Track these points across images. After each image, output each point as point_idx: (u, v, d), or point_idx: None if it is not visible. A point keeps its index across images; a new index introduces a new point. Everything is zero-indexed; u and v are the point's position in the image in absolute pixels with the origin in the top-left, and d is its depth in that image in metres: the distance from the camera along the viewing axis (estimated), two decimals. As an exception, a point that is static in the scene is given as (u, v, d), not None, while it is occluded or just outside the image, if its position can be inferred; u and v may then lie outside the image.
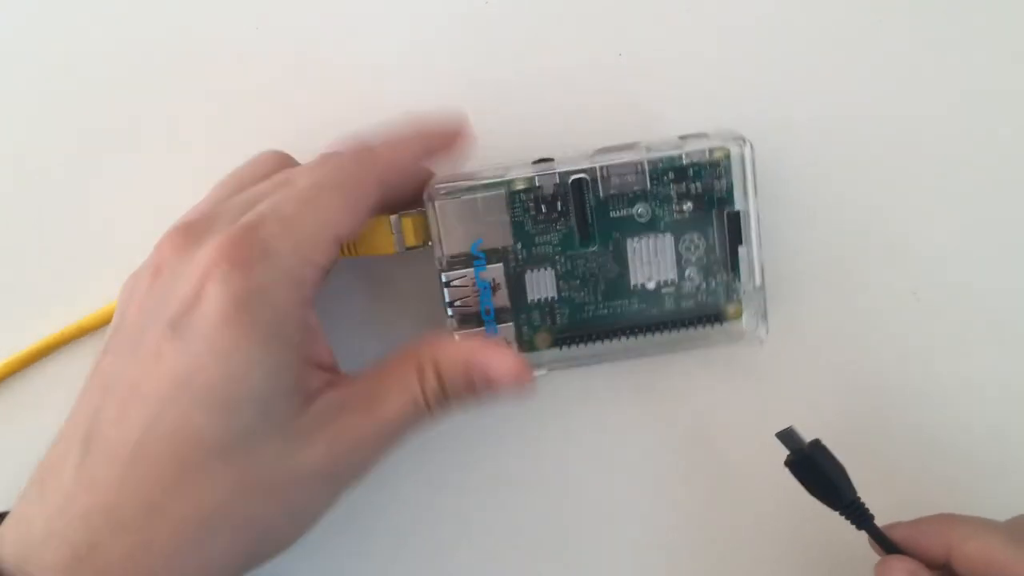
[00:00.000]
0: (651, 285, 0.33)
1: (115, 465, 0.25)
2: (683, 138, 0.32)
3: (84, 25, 0.35)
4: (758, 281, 0.32)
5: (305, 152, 0.32)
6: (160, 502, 0.25)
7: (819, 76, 0.35)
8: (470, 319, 0.33)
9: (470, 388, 0.29)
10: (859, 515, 0.31)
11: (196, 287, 0.26)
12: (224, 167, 0.32)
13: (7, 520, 0.27)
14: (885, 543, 0.31)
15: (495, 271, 0.32)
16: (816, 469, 0.31)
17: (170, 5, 0.35)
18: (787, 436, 0.31)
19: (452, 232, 0.32)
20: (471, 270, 0.32)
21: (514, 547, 0.36)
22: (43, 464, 0.27)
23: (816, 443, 0.31)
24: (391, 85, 0.35)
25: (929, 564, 0.30)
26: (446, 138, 0.32)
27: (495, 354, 0.29)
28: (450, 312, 0.32)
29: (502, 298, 0.32)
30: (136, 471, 0.25)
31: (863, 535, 0.31)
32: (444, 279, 0.32)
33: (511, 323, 0.33)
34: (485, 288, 0.32)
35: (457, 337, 0.32)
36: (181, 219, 0.29)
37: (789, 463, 0.31)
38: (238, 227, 0.27)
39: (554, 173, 0.31)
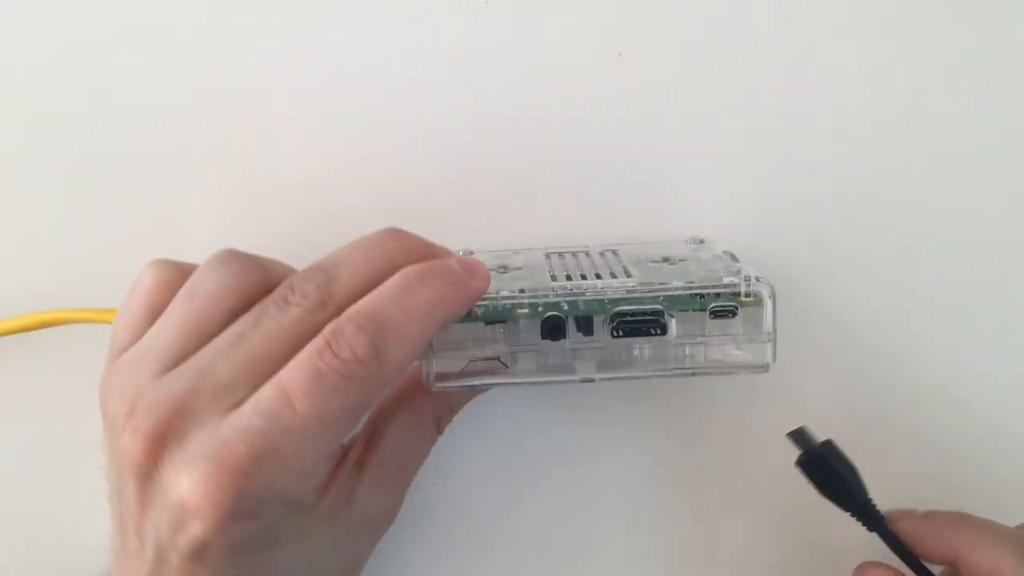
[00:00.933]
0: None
1: None
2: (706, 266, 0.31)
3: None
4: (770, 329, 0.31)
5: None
6: None
7: (817, 76, 0.35)
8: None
9: None
10: (870, 516, 0.31)
11: (197, 535, 0.26)
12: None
13: None
14: (896, 545, 0.31)
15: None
16: (828, 468, 0.31)
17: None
18: (799, 436, 0.31)
19: (447, 353, 0.30)
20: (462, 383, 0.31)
21: (527, 553, 0.37)
22: None
23: (828, 443, 0.31)
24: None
25: (938, 563, 0.31)
26: (464, 310, 0.29)
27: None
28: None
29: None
30: None
31: (873, 538, 0.32)
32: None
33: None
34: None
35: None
36: (152, 412, 0.26)
37: (800, 462, 0.31)
38: (231, 472, 0.25)
39: (565, 348, 0.30)
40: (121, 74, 0.35)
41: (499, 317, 0.30)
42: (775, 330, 0.30)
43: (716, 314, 0.29)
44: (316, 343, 0.26)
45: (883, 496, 0.32)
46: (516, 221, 0.36)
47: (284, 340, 0.27)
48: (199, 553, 0.26)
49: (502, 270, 0.33)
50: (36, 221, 0.36)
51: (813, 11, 0.35)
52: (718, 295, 0.29)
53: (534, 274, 0.32)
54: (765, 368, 0.30)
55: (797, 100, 0.35)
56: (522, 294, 0.30)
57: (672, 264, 0.32)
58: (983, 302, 0.36)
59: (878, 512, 0.31)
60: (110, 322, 0.31)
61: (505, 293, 0.30)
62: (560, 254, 0.34)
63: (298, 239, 0.35)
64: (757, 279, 0.30)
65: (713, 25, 0.35)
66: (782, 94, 0.35)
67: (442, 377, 0.30)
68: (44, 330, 0.35)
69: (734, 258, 0.32)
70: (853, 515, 0.31)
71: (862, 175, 0.36)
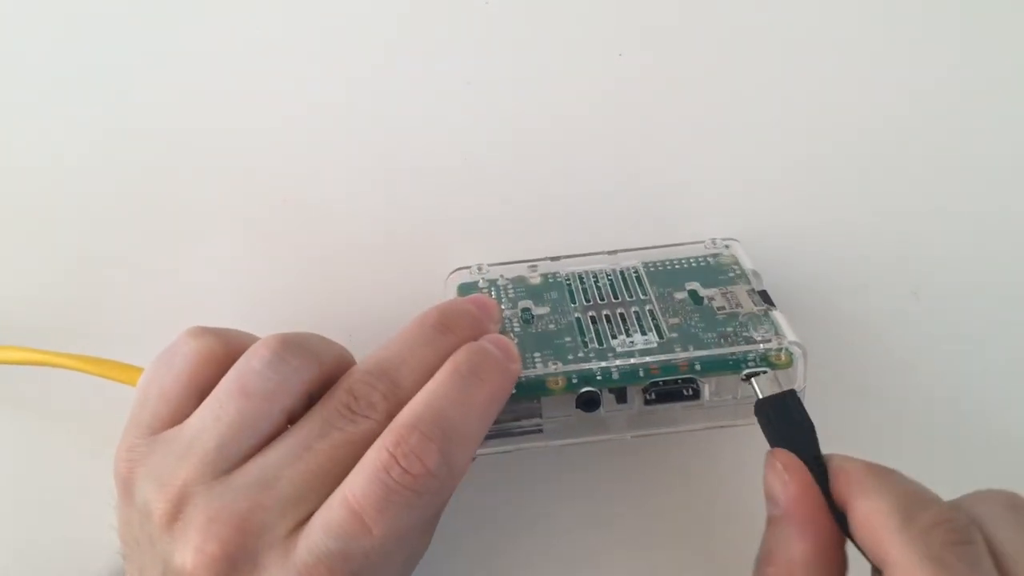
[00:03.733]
0: None
1: None
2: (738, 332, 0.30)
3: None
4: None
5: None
6: None
7: (815, 76, 0.35)
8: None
9: None
10: (819, 472, 0.28)
11: None
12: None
13: None
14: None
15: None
16: (785, 414, 0.28)
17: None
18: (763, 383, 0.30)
19: None
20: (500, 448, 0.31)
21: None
22: None
23: (791, 391, 0.29)
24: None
25: None
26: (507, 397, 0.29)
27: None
28: None
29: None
30: None
31: None
32: None
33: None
34: None
35: None
36: (214, 532, 0.25)
37: (758, 405, 0.29)
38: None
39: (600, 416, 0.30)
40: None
41: (533, 391, 0.30)
42: (805, 385, 0.30)
43: (749, 375, 0.30)
44: (381, 456, 0.25)
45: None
46: (518, 223, 0.36)
47: (353, 454, 0.26)
48: None
49: (526, 314, 0.32)
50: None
51: (814, 10, 0.34)
52: (752, 359, 0.30)
53: (559, 321, 0.32)
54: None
55: (797, 99, 0.35)
56: (556, 369, 0.30)
57: (701, 307, 0.32)
58: (983, 302, 0.37)
59: (825, 471, 0.27)
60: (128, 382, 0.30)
61: (539, 368, 0.30)
62: (581, 278, 0.34)
63: (298, 242, 0.35)
64: (792, 342, 0.30)
65: (713, 25, 0.34)
66: (783, 93, 0.35)
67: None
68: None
69: (765, 297, 0.32)
70: None
71: (862, 175, 0.36)
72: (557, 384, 0.30)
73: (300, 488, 0.26)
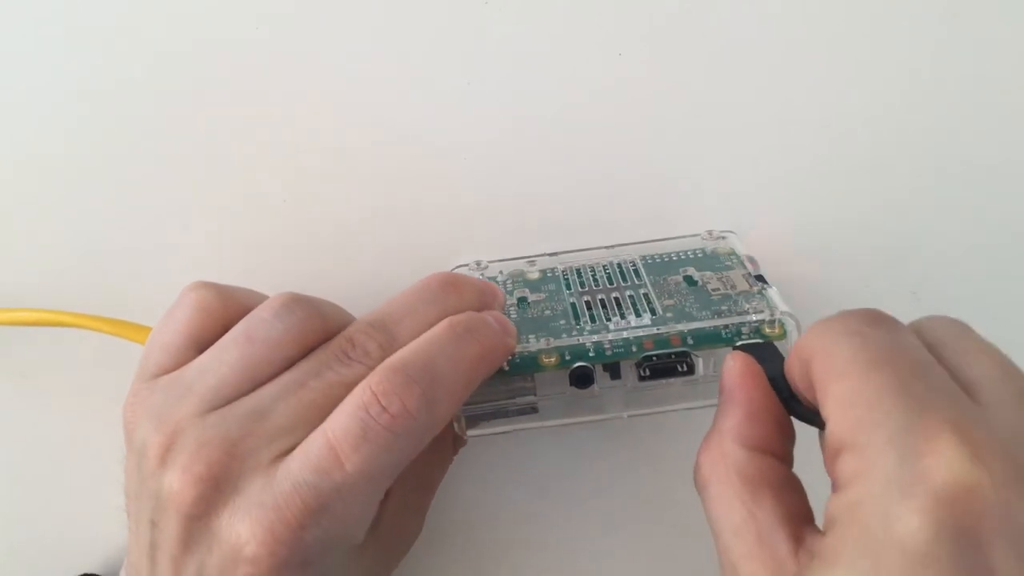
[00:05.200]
0: None
1: None
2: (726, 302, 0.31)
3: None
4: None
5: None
6: None
7: (815, 72, 0.35)
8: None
9: None
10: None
11: None
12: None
13: None
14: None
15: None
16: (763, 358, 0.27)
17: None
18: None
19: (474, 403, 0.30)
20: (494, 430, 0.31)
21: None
22: None
23: (770, 344, 0.29)
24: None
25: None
26: (500, 364, 0.29)
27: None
28: None
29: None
30: None
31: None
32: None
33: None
34: None
35: None
36: (202, 452, 0.26)
37: (734, 349, 0.28)
38: (286, 525, 0.25)
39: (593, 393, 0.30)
40: (135, 74, 0.34)
41: (527, 368, 0.30)
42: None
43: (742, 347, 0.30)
44: (364, 394, 0.26)
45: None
46: (519, 222, 0.36)
47: (344, 395, 0.27)
48: None
49: (522, 302, 0.32)
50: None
51: (815, 9, 0.34)
52: (745, 332, 0.30)
53: (554, 307, 0.32)
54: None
55: (798, 98, 0.35)
56: (548, 345, 0.30)
57: (695, 288, 0.32)
58: (983, 302, 0.36)
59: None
60: (141, 341, 0.31)
61: (532, 344, 0.30)
62: (578, 271, 0.34)
63: (297, 240, 0.36)
64: (784, 312, 0.30)
65: (713, 24, 0.34)
66: (783, 93, 0.35)
67: (473, 424, 0.31)
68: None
69: (761, 279, 0.32)
70: None
71: (862, 174, 0.36)
72: (550, 360, 0.30)
73: (290, 420, 0.27)
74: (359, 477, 0.26)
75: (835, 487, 0.21)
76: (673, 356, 0.29)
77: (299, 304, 0.29)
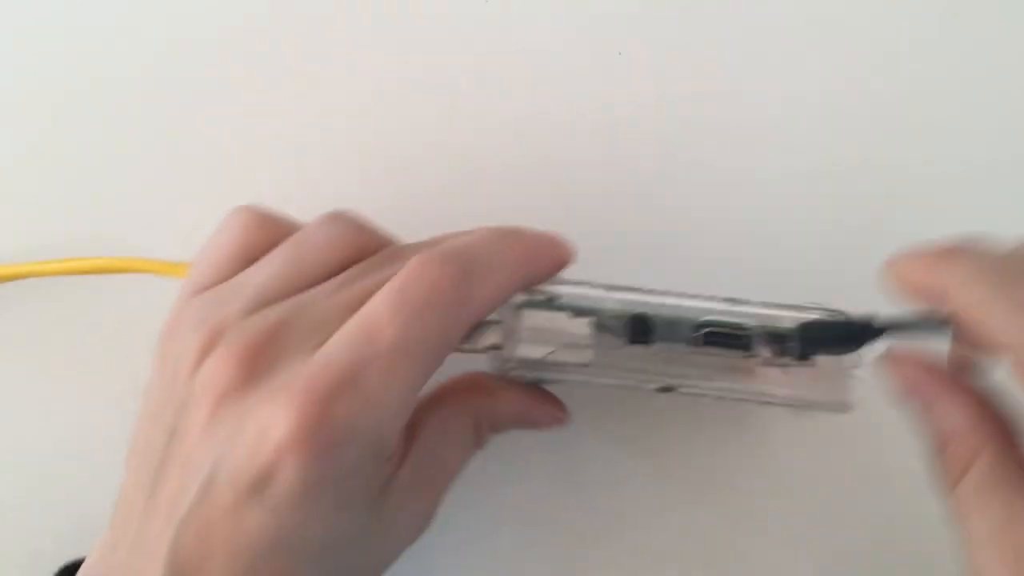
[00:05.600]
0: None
1: None
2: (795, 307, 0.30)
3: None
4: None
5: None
6: None
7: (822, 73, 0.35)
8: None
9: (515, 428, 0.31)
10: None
11: (272, 460, 0.24)
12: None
13: None
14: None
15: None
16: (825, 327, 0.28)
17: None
18: None
19: (529, 341, 0.29)
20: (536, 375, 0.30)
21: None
22: (119, 559, 0.26)
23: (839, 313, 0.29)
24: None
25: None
26: (549, 274, 0.29)
27: (544, 413, 0.31)
28: None
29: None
30: None
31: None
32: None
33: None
34: None
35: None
36: (244, 335, 0.26)
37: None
38: (318, 398, 0.25)
39: (649, 353, 0.29)
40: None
41: (586, 309, 0.29)
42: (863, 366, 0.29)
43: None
44: (402, 272, 0.26)
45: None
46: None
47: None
48: (262, 483, 0.24)
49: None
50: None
51: (816, 8, 0.35)
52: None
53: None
54: (846, 408, 0.29)
55: (798, 97, 0.35)
56: (612, 287, 0.29)
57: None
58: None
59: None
60: (180, 275, 0.30)
61: (596, 283, 0.29)
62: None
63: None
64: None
65: (712, 24, 0.35)
66: (783, 90, 0.35)
67: (523, 364, 0.29)
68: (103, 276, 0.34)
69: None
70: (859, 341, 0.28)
71: (862, 173, 0.35)
72: (613, 304, 0.29)
73: (331, 314, 0.26)
74: (393, 348, 0.25)
75: None
76: (736, 330, 0.29)
77: (347, 216, 0.29)
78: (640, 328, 0.29)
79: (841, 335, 0.28)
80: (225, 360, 0.25)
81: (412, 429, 0.29)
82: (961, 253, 0.25)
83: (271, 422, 0.24)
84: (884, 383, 0.27)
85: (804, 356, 0.29)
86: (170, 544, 0.25)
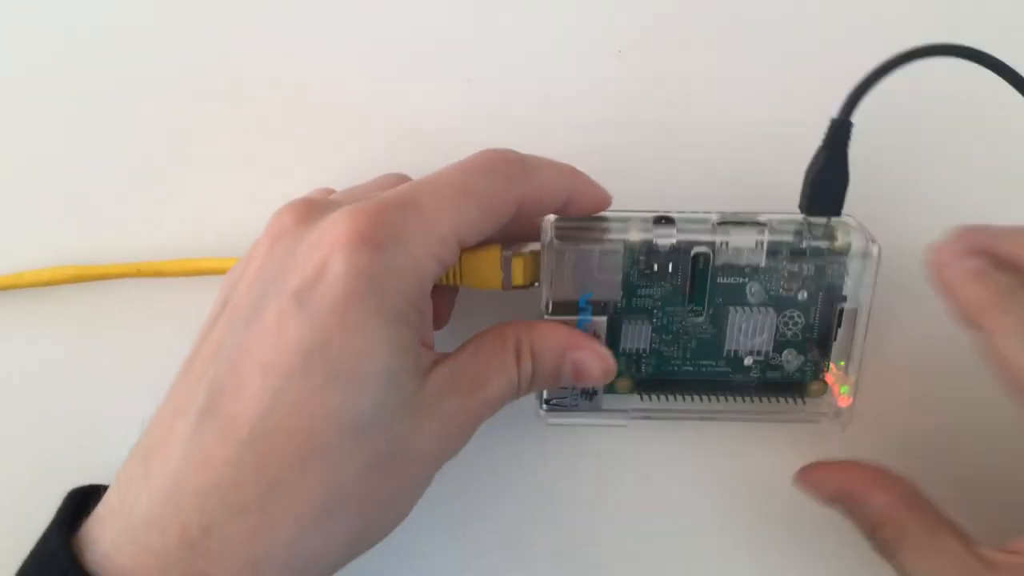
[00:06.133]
0: (747, 361, 0.33)
1: (232, 441, 0.24)
2: (810, 222, 0.31)
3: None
4: (853, 376, 0.32)
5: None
6: (285, 481, 0.24)
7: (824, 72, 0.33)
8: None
9: (560, 376, 0.30)
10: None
11: (322, 258, 0.25)
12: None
13: (106, 500, 0.26)
14: None
15: (599, 324, 0.32)
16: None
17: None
18: None
19: (562, 279, 0.31)
20: (575, 318, 0.31)
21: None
22: (146, 438, 0.26)
23: None
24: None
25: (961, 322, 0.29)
26: (587, 205, 0.31)
27: (589, 350, 0.30)
28: None
29: (601, 348, 0.32)
30: (258, 448, 0.24)
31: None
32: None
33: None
34: None
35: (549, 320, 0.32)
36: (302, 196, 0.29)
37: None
38: (373, 203, 0.26)
39: (675, 240, 0.31)
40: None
41: (616, 233, 0.31)
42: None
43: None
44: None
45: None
46: None
47: None
48: (309, 285, 0.25)
49: None
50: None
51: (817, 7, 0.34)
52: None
53: None
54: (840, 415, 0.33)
55: (798, 95, 0.35)
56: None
57: None
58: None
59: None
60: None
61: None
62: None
63: None
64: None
65: (712, 22, 0.34)
66: (783, 88, 0.35)
67: (559, 307, 0.31)
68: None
69: None
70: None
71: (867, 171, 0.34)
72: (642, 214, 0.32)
73: (387, 183, 0.30)
74: (452, 183, 0.27)
75: None
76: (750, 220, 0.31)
77: (388, 174, 0.32)
78: (663, 219, 0.31)
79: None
80: (285, 209, 0.28)
81: (454, 352, 0.30)
82: (1007, 294, 0.28)
83: (330, 227, 0.26)
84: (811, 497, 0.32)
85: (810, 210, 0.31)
86: (211, 376, 0.25)
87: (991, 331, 0.28)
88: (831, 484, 0.31)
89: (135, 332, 0.35)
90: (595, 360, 0.30)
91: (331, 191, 0.33)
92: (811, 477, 0.32)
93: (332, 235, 0.25)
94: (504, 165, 0.28)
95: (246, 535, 0.24)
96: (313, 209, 0.27)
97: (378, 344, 0.25)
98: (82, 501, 0.27)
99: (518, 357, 0.29)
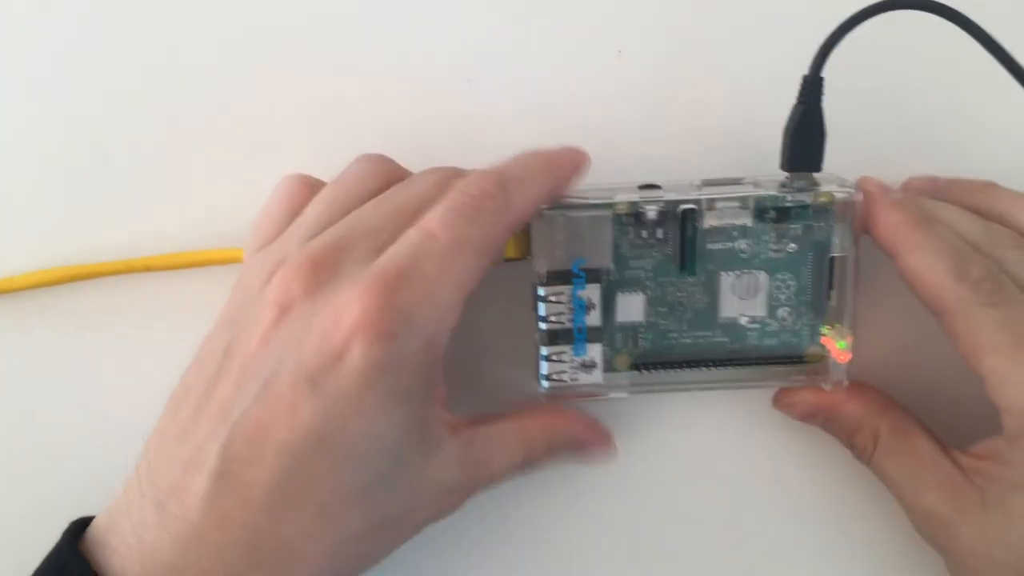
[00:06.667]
0: (742, 321, 0.33)
1: (251, 507, 0.26)
2: (792, 178, 0.32)
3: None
4: (848, 330, 0.32)
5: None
6: (298, 544, 0.27)
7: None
8: (559, 335, 0.32)
9: (567, 458, 0.33)
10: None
11: (338, 347, 0.26)
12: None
13: (117, 533, 0.28)
14: None
15: (592, 291, 0.32)
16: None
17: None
18: None
19: (553, 248, 0.32)
20: (569, 287, 0.32)
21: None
22: (155, 483, 0.28)
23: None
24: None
25: (881, 247, 0.32)
26: (571, 178, 0.31)
27: (597, 439, 0.33)
28: (542, 327, 0.32)
29: (595, 318, 0.32)
30: (274, 515, 0.27)
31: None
32: (541, 293, 0.32)
33: (599, 343, 0.33)
34: (580, 307, 0.32)
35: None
36: (306, 250, 0.29)
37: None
38: (383, 286, 0.27)
39: (661, 201, 0.31)
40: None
41: (603, 199, 0.32)
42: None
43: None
44: (450, 192, 0.29)
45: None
46: None
47: (422, 196, 0.30)
48: (326, 369, 0.26)
49: None
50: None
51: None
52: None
53: None
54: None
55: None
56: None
57: None
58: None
59: None
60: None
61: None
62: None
63: None
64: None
65: (713, 22, 0.35)
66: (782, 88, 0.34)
67: (553, 277, 0.32)
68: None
69: None
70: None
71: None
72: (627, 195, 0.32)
73: (383, 220, 0.29)
74: (449, 244, 0.28)
75: (1010, 434, 0.29)
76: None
77: (374, 155, 0.32)
78: (648, 186, 0.32)
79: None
80: (291, 273, 0.28)
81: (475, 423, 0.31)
82: (927, 219, 0.31)
83: (342, 310, 0.27)
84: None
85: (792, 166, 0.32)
86: (223, 441, 0.27)
87: (905, 251, 0.30)
88: (807, 403, 0.34)
89: (129, 329, 0.35)
90: (602, 447, 0.34)
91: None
92: (787, 399, 0.34)
93: (347, 321, 0.26)
94: (488, 203, 0.29)
95: None
96: (321, 276, 0.28)
97: (387, 428, 0.27)
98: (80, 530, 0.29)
99: (531, 443, 0.32)
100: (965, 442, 0.31)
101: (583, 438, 0.33)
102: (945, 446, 0.32)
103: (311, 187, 0.32)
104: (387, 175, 0.32)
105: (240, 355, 0.28)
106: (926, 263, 0.30)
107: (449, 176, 0.31)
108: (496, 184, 0.29)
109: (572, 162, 0.31)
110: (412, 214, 0.29)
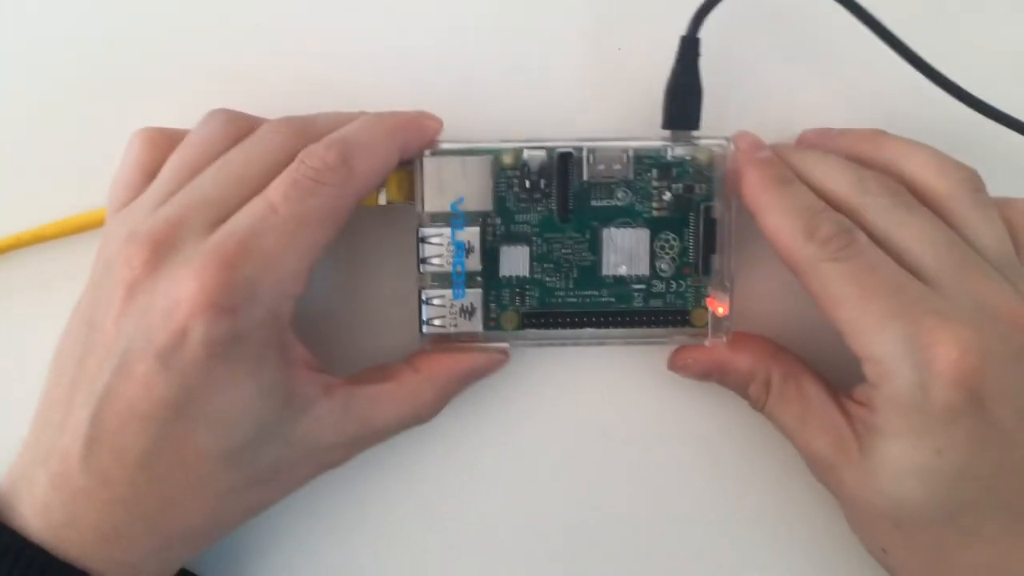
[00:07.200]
0: (622, 271, 0.33)
1: (127, 467, 0.28)
2: (673, 136, 0.33)
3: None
4: (727, 287, 0.33)
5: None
6: (177, 497, 0.28)
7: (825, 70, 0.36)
8: (440, 279, 0.33)
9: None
10: None
11: (181, 324, 0.27)
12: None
13: (17, 498, 0.29)
14: None
15: (471, 234, 0.32)
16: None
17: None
18: None
19: (435, 191, 0.32)
20: (448, 229, 0.32)
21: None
22: (37, 445, 0.29)
23: None
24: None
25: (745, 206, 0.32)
26: (420, 144, 0.32)
27: (489, 364, 0.34)
28: (421, 269, 0.32)
29: (474, 262, 0.33)
30: (148, 473, 0.28)
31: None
32: (420, 234, 0.32)
33: (480, 290, 0.33)
34: (459, 248, 0.32)
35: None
36: (147, 226, 0.29)
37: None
38: (220, 263, 0.28)
39: (542, 148, 0.32)
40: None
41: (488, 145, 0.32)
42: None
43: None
44: (292, 164, 0.30)
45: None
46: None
47: (265, 160, 0.30)
48: (172, 347, 0.27)
49: None
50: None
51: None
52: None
53: None
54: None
55: (798, 93, 0.35)
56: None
57: None
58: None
59: None
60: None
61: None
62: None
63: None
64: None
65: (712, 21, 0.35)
66: (784, 86, 0.35)
67: (433, 217, 0.32)
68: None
69: None
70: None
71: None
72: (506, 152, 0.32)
73: (221, 191, 0.30)
74: (290, 218, 0.29)
75: (871, 381, 0.29)
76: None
77: (221, 112, 0.32)
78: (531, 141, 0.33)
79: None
80: (132, 250, 0.28)
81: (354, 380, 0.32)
82: (782, 181, 0.31)
83: (180, 289, 0.27)
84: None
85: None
86: (92, 411, 0.28)
87: (761, 212, 0.31)
88: (700, 362, 0.34)
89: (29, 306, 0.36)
90: (491, 368, 0.34)
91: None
92: (681, 360, 0.34)
93: (188, 304, 0.27)
94: (331, 176, 0.29)
95: (150, 532, 0.29)
96: (160, 254, 0.28)
97: (238, 394, 0.28)
98: None
99: (416, 405, 0.32)
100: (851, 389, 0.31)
101: (476, 370, 0.34)
102: (834, 391, 0.32)
103: (158, 144, 0.32)
104: (236, 132, 0.31)
105: (99, 331, 0.29)
106: (778, 223, 0.30)
107: (294, 133, 0.31)
108: (339, 155, 0.29)
109: (420, 127, 0.32)
110: (254, 181, 0.30)
